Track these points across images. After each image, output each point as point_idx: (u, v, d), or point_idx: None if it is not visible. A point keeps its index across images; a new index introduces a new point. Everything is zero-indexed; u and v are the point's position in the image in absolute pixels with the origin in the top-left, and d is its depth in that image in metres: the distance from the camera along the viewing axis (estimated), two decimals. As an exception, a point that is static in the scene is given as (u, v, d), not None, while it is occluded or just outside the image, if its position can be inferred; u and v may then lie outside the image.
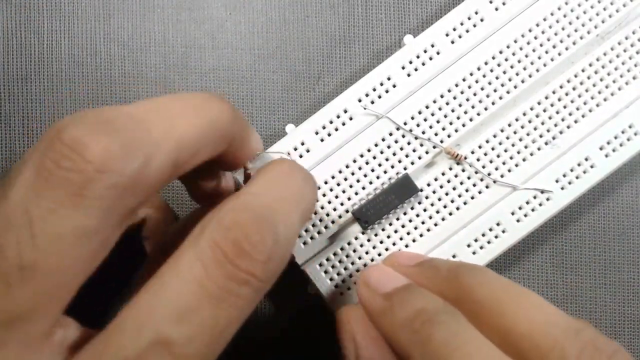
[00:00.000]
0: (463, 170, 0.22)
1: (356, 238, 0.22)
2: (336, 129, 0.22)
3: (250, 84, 0.26)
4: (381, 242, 0.22)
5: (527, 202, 0.22)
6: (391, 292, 0.18)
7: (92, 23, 0.26)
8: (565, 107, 0.23)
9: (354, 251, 0.22)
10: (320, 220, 0.22)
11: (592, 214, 0.26)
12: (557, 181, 0.22)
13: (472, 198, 0.22)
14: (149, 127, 0.14)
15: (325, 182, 0.22)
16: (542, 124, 0.23)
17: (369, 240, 0.22)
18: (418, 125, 0.22)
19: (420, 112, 0.22)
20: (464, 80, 0.22)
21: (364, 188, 0.22)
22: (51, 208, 0.12)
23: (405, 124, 0.22)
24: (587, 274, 0.26)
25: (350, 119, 0.22)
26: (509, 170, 0.23)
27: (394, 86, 0.23)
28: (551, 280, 0.26)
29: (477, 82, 0.22)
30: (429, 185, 0.22)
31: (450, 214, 0.23)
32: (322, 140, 0.22)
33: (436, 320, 0.16)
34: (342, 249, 0.22)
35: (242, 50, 0.26)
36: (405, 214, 0.22)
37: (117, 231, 0.14)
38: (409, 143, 0.22)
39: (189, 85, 0.26)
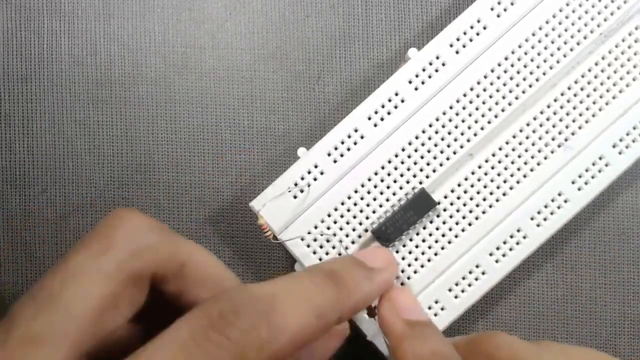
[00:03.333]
0: (479, 180, 0.22)
1: None
2: (348, 149, 0.22)
3: (250, 84, 0.26)
4: (403, 259, 0.22)
5: (546, 206, 0.22)
6: (414, 322, 0.19)
7: (92, 23, 0.26)
8: (575, 108, 0.23)
9: None
10: (340, 242, 0.22)
11: (592, 214, 0.26)
12: (573, 182, 0.22)
13: (491, 207, 0.22)
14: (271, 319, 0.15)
15: (342, 203, 0.22)
16: (554, 126, 0.22)
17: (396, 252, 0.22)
18: (430, 139, 0.22)
19: (431, 125, 0.22)
20: (471, 89, 0.22)
21: (381, 206, 0.22)
22: None
23: (417, 137, 0.22)
24: (587, 274, 0.26)
25: (362, 137, 0.22)
26: (525, 176, 0.22)
27: (402, 101, 0.22)
28: (551, 280, 0.26)
29: (485, 90, 0.22)
30: (445, 197, 0.22)
31: (470, 224, 0.22)
32: (335, 161, 0.22)
33: None
34: None
35: (242, 50, 0.26)
36: (424, 228, 0.22)
37: None
38: (422, 157, 0.22)
39: (188, 85, 0.26)
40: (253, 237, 0.25)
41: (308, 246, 0.22)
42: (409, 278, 0.22)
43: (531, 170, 0.22)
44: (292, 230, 0.22)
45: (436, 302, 0.22)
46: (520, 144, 0.22)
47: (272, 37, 0.26)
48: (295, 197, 0.22)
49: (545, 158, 0.22)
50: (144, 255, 0.16)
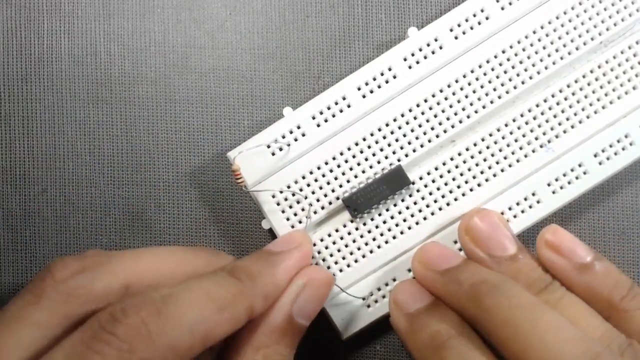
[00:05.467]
0: (457, 167, 0.22)
1: (344, 226, 0.22)
2: (333, 115, 0.22)
3: (250, 84, 0.26)
4: (369, 232, 0.22)
5: (518, 203, 0.23)
6: (413, 314, 0.20)
7: (92, 23, 0.26)
8: (563, 111, 0.23)
9: (341, 238, 0.22)
10: (310, 205, 0.22)
11: (592, 214, 0.26)
12: (548, 184, 0.23)
13: (463, 195, 0.22)
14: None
15: (319, 168, 0.22)
16: (539, 126, 0.23)
17: (357, 229, 0.22)
18: (415, 118, 0.22)
19: (418, 105, 0.22)
20: (464, 76, 0.22)
21: (356, 177, 0.22)
22: None
23: (402, 115, 0.22)
24: (587, 274, 0.26)
25: (349, 106, 0.22)
26: (502, 170, 0.22)
27: (394, 77, 0.22)
28: (551, 280, 0.26)
29: (477, 79, 0.22)
30: (421, 178, 0.22)
31: (440, 209, 0.22)
32: (318, 125, 0.22)
33: (447, 345, 0.18)
34: (329, 235, 0.22)
35: (242, 50, 0.26)
36: (395, 205, 0.22)
37: None
38: (404, 135, 0.22)
39: (188, 85, 0.26)
40: (255, 237, 0.25)
41: (278, 204, 0.22)
42: (371, 252, 0.22)
43: (509, 165, 0.22)
44: (265, 185, 0.23)
45: (394, 279, 0.23)
46: (503, 138, 0.22)
47: (272, 37, 0.26)
48: (273, 154, 0.22)
49: (526, 156, 0.22)
50: (77, 297, 0.17)
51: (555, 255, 0.20)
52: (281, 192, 0.22)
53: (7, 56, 0.25)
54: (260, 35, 0.26)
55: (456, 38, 0.22)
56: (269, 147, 0.22)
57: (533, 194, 0.23)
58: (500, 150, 0.22)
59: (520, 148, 0.22)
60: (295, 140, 0.22)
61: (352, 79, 0.23)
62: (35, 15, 0.26)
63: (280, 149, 0.22)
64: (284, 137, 0.22)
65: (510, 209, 0.23)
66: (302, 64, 0.26)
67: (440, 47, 0.22)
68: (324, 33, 0.26)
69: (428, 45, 0.22)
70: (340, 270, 0.22)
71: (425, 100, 0.22)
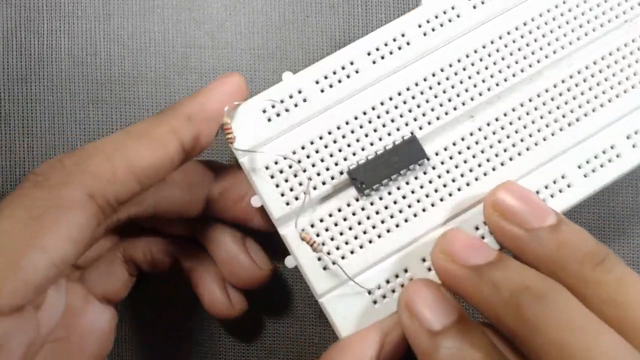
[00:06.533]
0: (477, 143, 0.20)
1: (349, 205, 0.19)
2: (339, 81, 0.20)
3: (250, 84, 0.26)
4: (377, 213, 0.19)
5: (546, 187, 0.20)
6: (437, 332, 0.16)
7: (92, 23, 0.26)
8: (590, 89, 0.21)
9: (344, 219, 0.19)
10: (310, 179, 0.19)
11: (592, 214, 0.26)
12: (579, 167, 0.20)
13: (485, 174, 0.20)
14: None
15: (320, 138, 0.20)
16: (566, 103, 0.20)
17: (363, 209, 0.19)
18: (430, 89, 0.20)
19: (434, 75, 0.20)
20: (484, 47, 0.21)
21: (363, 149, 0.20)
22: None
23: (416, 85, 0.20)
24: (587, 274, 0.26)
25: (357, 72, 0.20)
26: (527, 149, 0.20)
27: (408, 44, 0.20)
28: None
29: (497, 51, 0.21)
30: (437, 154, 0.20)
31: (459, 189, 0.20)
32: (322, 90, 0.20)
33: None
34: (330, 215, 0.19)
35: (242, 50, 0.26)
36: (407, 183, 0.19)
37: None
38: (418, 106, 0.20)
39: (188, 85, 0.26)
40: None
41: (272, 177, 0.19)
42: (379, 236, 0.19)
43: (535, 144, 0.20)
44: (257, 154, 0.20)
45: (405, 270, 0.19)
46: (527, 114, 0.20)
47: (272, 37, 0.26)
48: (269, 119, 0.20)
49: (553, 134, 0.20)
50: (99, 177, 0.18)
51: (506, 222, 0.17)
52: (276, 162, 0.19)
53: (7, 56, 0.25)
54: (260, 35, 0.26)
55: (474, 7, 0.21)
56: (264, 112, 0.20)
57: (563, 177, 0.20)
58: (524, 127, 0.20)
59: (547, 125, 0.20)
60: (295, 105, 0.20)
61: (362, 42, 0.20)
62: (35, 15, 0.26)
63: (278, 115, 0.20)
64: (282, 102, 0.20)
65: (538, 192, 0.20)
66: (302, 64, 0.26)
67: (458, 16, 0.21)
68: (324, 33, 0.26)
69: (445, 12, 0.21)
70: (343, 257, 0.19)
71: (442, 70, 0.20)
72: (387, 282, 0.19)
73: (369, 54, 0.20)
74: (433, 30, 0.21)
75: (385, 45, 0.20)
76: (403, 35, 0.20)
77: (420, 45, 0.20)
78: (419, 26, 0.21)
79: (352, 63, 0.20)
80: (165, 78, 0.26)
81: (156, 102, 0.26)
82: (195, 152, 0.19)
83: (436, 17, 0.21)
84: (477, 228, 0.19)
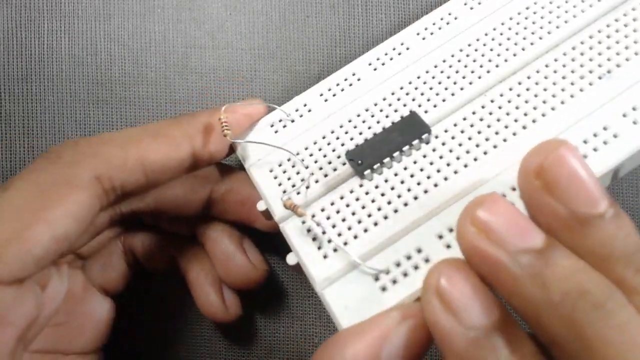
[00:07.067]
0: (481, 120, 0.18)
1: (352, 191, 0.18)
2: (342, 90, 0.21)
3: (250, 84, 0.26)
4: (382, 195, 0.18)
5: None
6: (475, 331, 0.13)
7: (92, 23, 0.26)
8: (591, 60, 0.19)
9: (347, 205, 0.18)
10: (312, 174, 0.19)
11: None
12: (585, 142, 0.17)
13: (495, 147, 0.18)
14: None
15: (323, 137, 0.20)
16: (572, 72, 0.19)
17: (367, 194, 0.18)
18: (435, 78, 0.20)
19: (444, 60, 0.20)
20: (477, 40, 0.20)
21: (361, 133, 0.20)
22: None
23: (418, 78, 0.20)
24: (587, 274, 0.26)
25: (359, 80, 0.21)
26: (534, 120, 0.18)
27: (408, 49, 0.21)
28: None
29: (488, 42, 0.20)
30: (446, 131, 0.18)
31: (476, 159, 0.18)
32: (326, 100, 0.21)
33: None
34: (332, 203, 0.18)
35: (242, 50, 0.26)
36: (415, 162, 0.18)
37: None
38: (422, 94, 0.20)
39: (189, 85, 0.26)
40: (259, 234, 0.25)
41: (271, 171, 0.20)
42: (386, 218, 0.17)
43: (552, 109, 0.18)
44: (256, 152, 0.20)
45: (419, 251, 0.17)
46: (545, 77, 0.19)
47: (272, 37, 0.26)
48: (276, 132, 0.21)
49: (581, 90, 0.18)
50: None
51: (550, 198, 0.13)
52: (280, 165, 0.20)
53: (7, 56, 0.25)
54: (260, 35, 0.26)
55: (472, 9, 0.21)
56: (271, 125, 0.21)
57: (605, 129, 0.17)
58: (525, 102, 0.18)
59: (553, 96, 0.18)
60: (301, 116, 0.21)
61: (363, 58, 0.21)
62: (35, 15, 0.26)
63: (285, 127, 0.21)
64: (288, 115, 0.21)
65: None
66: (302, 64, 0.26)
67: (456, 19, 0.21)
68: (324, 33, 0.26)
69: (442, 19, 0.21)
70: (345, 244, 0.17)
71: (444, 60, 0.20)
72: (398, 264, 0.16)
73: (369, 64, 0.21)
74: (432, 34, 0.21)
75: (385, 54, 0.21)
76: (402, 44, 0.21)
77: (418, 48, 0.21)
78: (464, 3, 0.21)
79: (353, 74, 0.21)
80: (166, 78, 0.26)
81: (156, 102, 0.26)
82: (204, 162, 0.20)
83: (434, 24, 0.21)
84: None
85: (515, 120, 0.18)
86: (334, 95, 0.21)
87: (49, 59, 0.25)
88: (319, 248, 0.17)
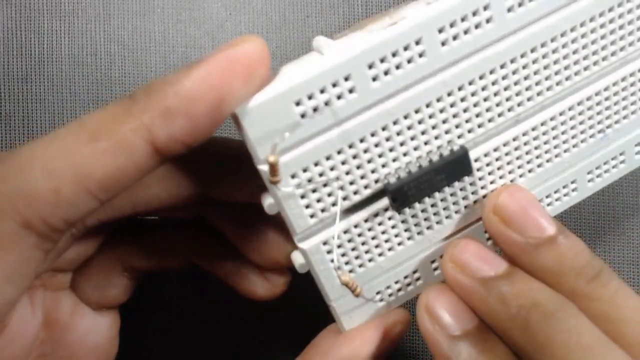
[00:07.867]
0: (516, 149, 0.18)
1: (376, 215, 0.17)
2: (397, 67, 0.15)
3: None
4: (403, 222, 0.18)
5: (556, 191, 0.19)
6: (457, 336, 0.16)
7: (92, 23, 0.26)
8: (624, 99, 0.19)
9: (369, 229, 0.17)
10: (341, 189, 0.16)
11: (592, 214, 0.26)
12: (589, 172, 0.20)
13: (521, 176, 0.19)
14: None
15: (361, 141, 0.16)
16: (598, 113, 0.19)
17: (389, 219, 0.17)
18: (493, 83, 0.17)
19: (513, 61, 0.17)
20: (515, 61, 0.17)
21: (405, 154, 0.17)
22: None
23: (492, 73, 0.17)
24: (587, 274, 0.26)
25: (420, 55, 0.15)
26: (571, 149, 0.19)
27: (488, 21, 0.16)
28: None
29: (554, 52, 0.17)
30: (476, 160, 0.18)
31: (484, 195, 0.19)
32: (374, 79, 0.15)
33: None
34: (356, 226, 0.17)
35: (242, 50, 0.26)
36: (443, 200, 0.18)
37: None
38: (475, 105, 0.17)
39: (189, 85, 0.26)
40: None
41: (298, 186, 0.16)
42: (400, 244, 0.18)
43: (549, 160, 0.19)
44: (284, 160, 0.15)
45: (414, 272, 0.19)
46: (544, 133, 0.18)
47: (272, 37, 0.26)
48: (303, 115, 0.15)
49: (574, 146, 0.19)
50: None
51: (507, 229, 0.17)
52: (305, 170, 0.16)
53: (7, 56, 0.25)
54: (260, 35, 0.26)
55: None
56: (299, 108, 0.15)
57: (572, 182, 0.20)
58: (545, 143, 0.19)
59: (573, 137, 0.19)
60: (339, 98, 0.15)
61: (434, 14, 0.15)
62: (35, 15, 0.26)
63: (315, 110, 0.15)
64: (322, 92, 0.15)
65: (547, 197, 0.19)
66: (302, 64, 0.26)
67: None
68: (323, 33, 0.26)
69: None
70: (360, 266, 0.18)
71: (492, 71, 0.17)
72: (396, 282, 0.19)
73: (440, 31, 0.15)
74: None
75: (462, 20, 0.16)
76: (485, 8, 0.16)
77: (497, 26, 0.16)
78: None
79: (417, 43, 0.15)
80: (166, 78, 0.26)
81: (156, 102, 0.26)
82: (178, 151, 0.14)
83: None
84: (488, 239, 0.19)
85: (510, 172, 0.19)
86: (385, 73, 0.15)
87: (49, 59, 0.26)
88: (338, 269, 0.18)
